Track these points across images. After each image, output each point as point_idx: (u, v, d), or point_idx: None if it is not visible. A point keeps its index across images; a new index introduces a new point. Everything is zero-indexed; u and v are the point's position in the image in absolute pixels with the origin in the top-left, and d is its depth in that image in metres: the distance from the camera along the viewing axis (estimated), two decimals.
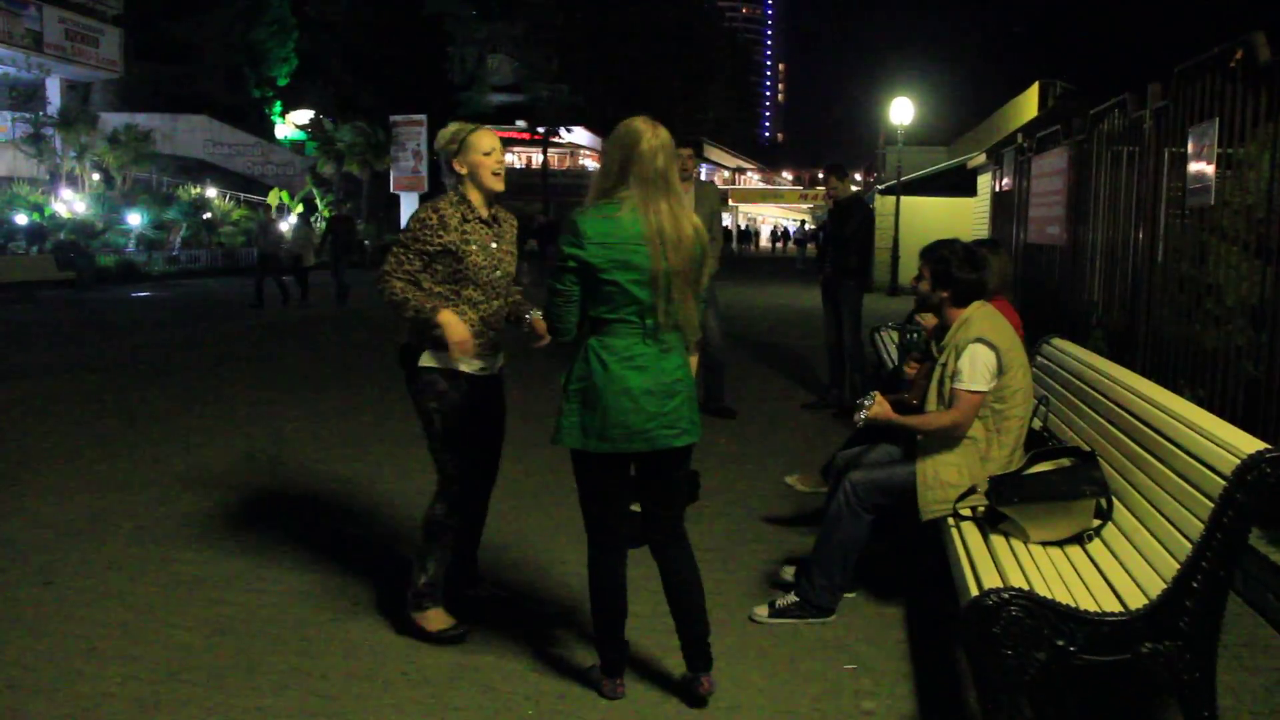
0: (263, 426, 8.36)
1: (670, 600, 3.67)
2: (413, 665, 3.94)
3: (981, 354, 4.22)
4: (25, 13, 34.24)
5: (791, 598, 4.43)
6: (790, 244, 42.51)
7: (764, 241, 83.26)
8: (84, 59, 37.11)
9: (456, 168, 4.11)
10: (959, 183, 23.98)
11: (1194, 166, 6.04)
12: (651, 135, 3.42)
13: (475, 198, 4.14)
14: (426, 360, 4.09)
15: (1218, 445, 3.18)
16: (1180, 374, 6.17)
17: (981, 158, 20.05)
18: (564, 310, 3.46)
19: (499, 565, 5.07)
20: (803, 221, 59.78)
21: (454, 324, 3.97)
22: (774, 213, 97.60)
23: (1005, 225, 12.85)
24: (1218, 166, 5.78)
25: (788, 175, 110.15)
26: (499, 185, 4.14)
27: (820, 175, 11.88)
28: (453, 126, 4.19)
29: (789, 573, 4.77)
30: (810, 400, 9.73)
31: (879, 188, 28.60)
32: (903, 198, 25.50)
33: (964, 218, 21.36)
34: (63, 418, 8.61)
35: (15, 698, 3.67)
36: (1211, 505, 3.04)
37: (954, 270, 4.38)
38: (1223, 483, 3.02)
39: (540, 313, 3.83)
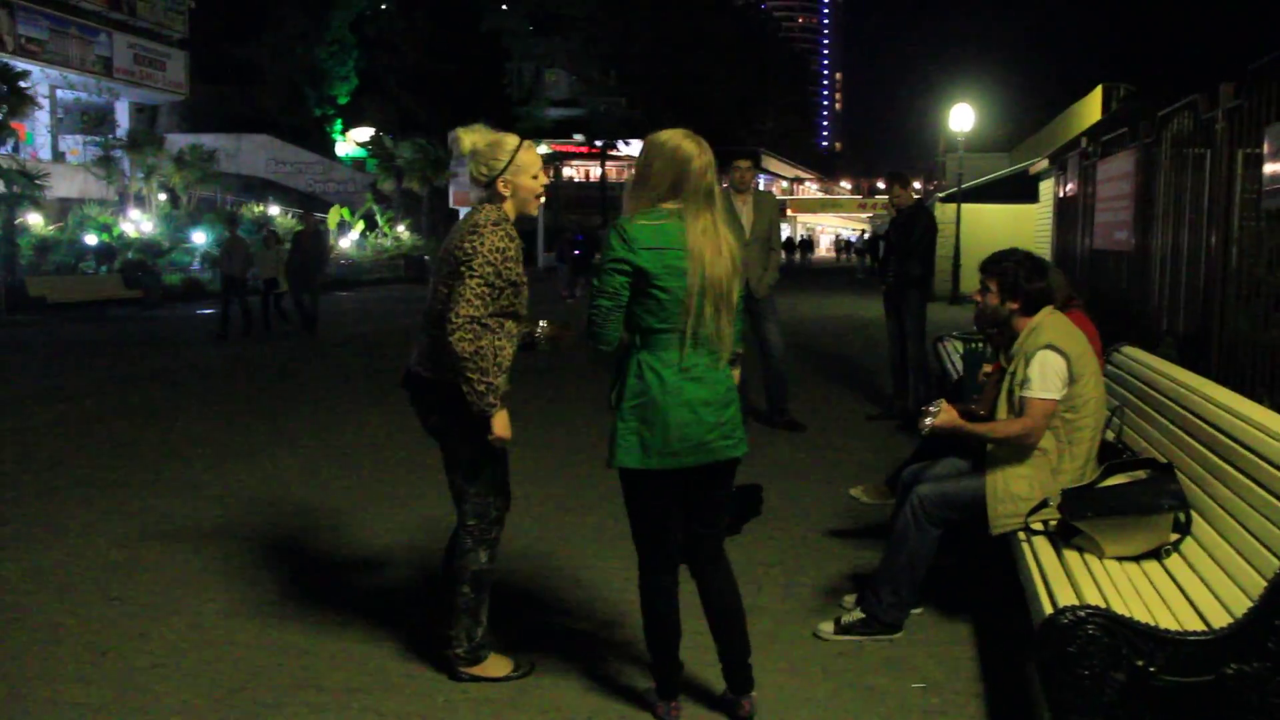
0: (320, 444, 8.42)
1: (711, 622, 3.57)
2: (475, 685, 3.90)
3: (1052, 361, 4.10)
4: (96, 39, 35.21)
5: (857, 614, 4.34)
6: (852, 254, 42.43)
7: (823, 251, 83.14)
8: (151, 82, 38.09)
9: (500, 187, 3.71)
10: (1021, 189, 23.65)
11: (1270, 167, 5.87)
12: (699, 153, 3.35)
13: (511, 217, 3.75)
14: None
15: None
16: (1258, 381, 6.00)
17: (1044, 163, 19.74)
18: (610, 317, 3.32)
19: (545, 577, 5.04)
20: (863, 231, 59.60)
21: (505, 425, 3.69)
22: (833, 222, 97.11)
23: (1069, 231, 12.63)
24: None
25: (846, 184, 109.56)
26: (537, 212, 3.88)
27: (880, 184, 11.77)
28: (488, 134, 3.77)
29: (850, 601, 4.64)
30: (874, 412, 9.61)
31: (939, 195, 28.28)
32: (963, 205, 25.19)
33: (1026, 224, 21.06)
34: (125, 433, 8.73)
35: (81, 713, 3.70)
36: None
37: (1021, 281, 4.26)
38: None
39: (545, 322, 3.94)
